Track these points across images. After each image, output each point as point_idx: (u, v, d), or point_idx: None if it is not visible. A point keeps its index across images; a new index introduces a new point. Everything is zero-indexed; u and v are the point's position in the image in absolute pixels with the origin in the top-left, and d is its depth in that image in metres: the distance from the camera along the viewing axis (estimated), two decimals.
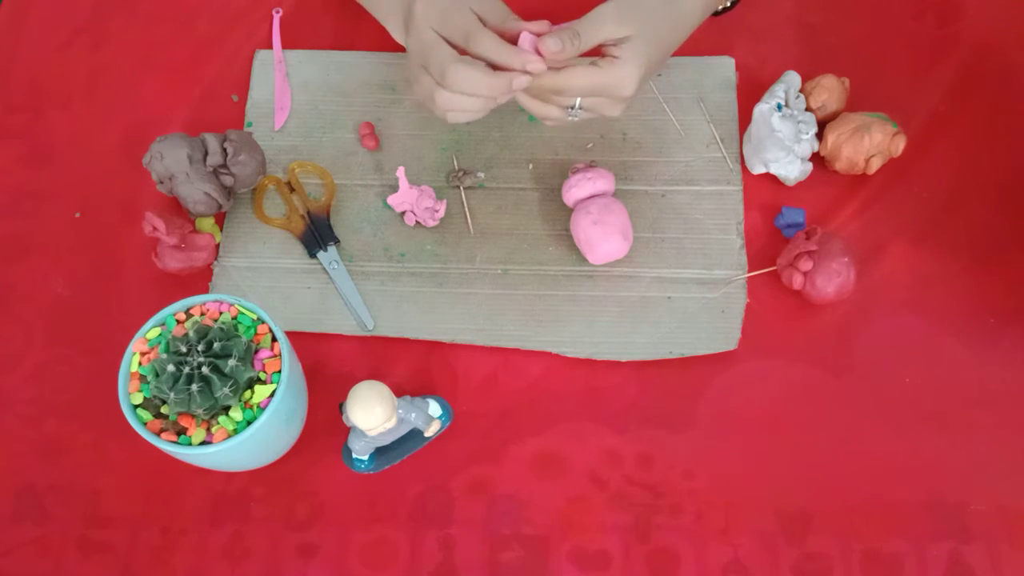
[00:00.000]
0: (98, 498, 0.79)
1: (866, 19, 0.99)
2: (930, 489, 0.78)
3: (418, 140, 0.93)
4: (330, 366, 0.83)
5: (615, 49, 0.75)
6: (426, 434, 0.78)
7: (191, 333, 0.71)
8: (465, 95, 0.73)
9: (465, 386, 0.83)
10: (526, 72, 0.73)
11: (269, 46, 0.98)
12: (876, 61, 0.96)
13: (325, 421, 0.80)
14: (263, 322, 0.74)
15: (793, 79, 0.89)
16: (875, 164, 0.87)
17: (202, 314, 0.74)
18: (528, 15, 0.95)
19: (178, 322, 0.74)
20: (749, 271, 0.86)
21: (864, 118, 0.87)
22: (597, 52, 0.77)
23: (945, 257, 0.87)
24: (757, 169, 0.89)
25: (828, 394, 0.82)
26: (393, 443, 0.78)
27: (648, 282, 0.86)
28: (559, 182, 0.88)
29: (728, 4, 0.97)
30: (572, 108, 0.77)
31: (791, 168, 0.88)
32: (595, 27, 0.75)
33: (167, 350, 0.70)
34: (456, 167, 0.91)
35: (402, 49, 0.86)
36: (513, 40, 0.74)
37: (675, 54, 0.93)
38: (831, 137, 0.87)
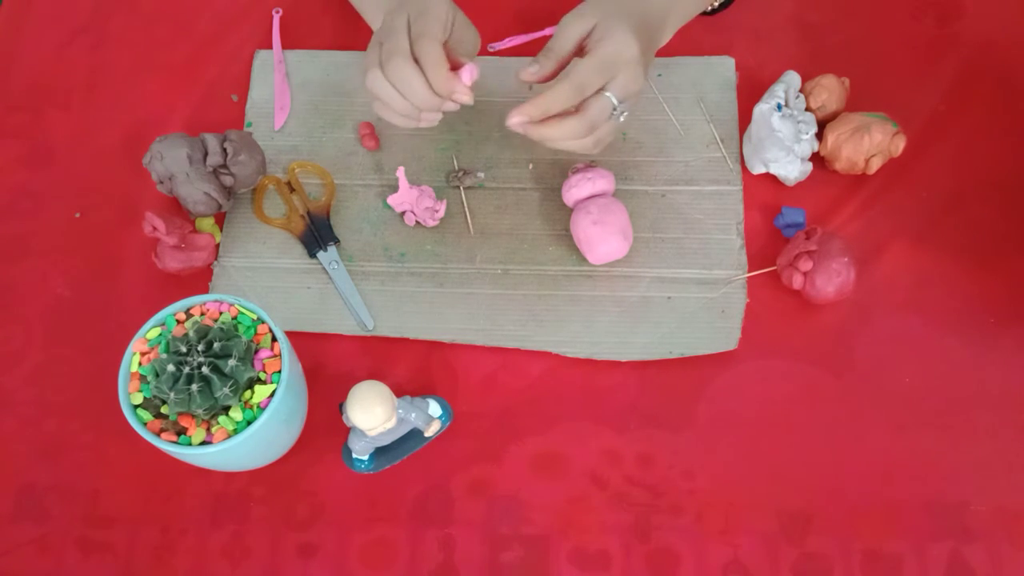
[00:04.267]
0: (98, 498, 0.79)
1: (866, 19, 0.99)
2: (930, 489, 0.78)
3: (418, 140, 0.93)
4: (330, 366, 0.83)
5: (593, 35, 0.76)
6: (426, 434, 0.78)
7: (191, 333, 0.71)
8: (393, 91, 0.74)
9: (465, 386, 0.83)
10: (453, 100, 0.74)
11: (269, 46, 0.98)
12: (876, 61, 0.96)
13: (325, 421, 0.80)
14: (263, 322, 0.74)
15: (793, 79, 0.89)
16: (875, 164, 0.87)
17: (202, 314, 0.74)
18: (529, 15, 0.96)
19: (178, 322, 0.74)
20: (749, 271, 0.86)
21: (864, 118, 0.87)
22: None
23: (945, 257, 0.87)
24: (757, 169, 0.89)
25: (828, 394, 0.82)
26: (393, 443, 0.78)
27: (648, 282, 0.86)
28: (559, 182, 0.88)
29: (717, 4, 0.96)
30: (615, 110, 0.76)
31: (791, 168, 0.88)
32: (561, 32, 0.76)
33: (167, 350, 0.70)
34: (456, 167, 0.91)
35: None
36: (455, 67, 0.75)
37: (675, 54, 0.94)
38: (831, 137, 0.87)
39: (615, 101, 0.76)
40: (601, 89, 0.75)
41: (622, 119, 0.78)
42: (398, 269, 0.87)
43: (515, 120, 0.75)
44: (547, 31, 0.95)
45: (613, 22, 0.75)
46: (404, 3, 0.75)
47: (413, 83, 0.73)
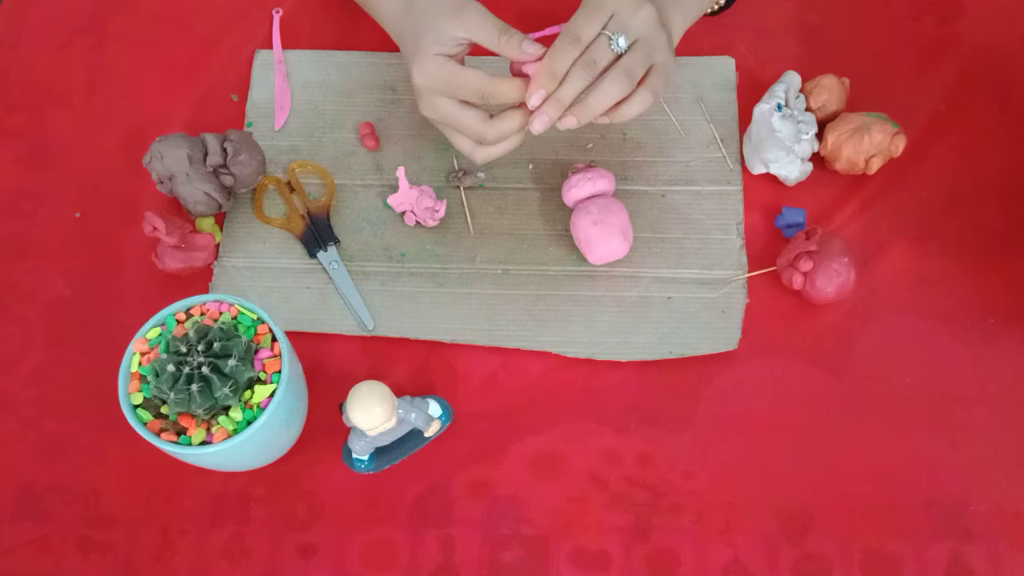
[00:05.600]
0: (98, 498, 0.79)
1: (866, 19, 0.99)
2: (930, 489, 0.78)
3: (418, 140, 0.93)
4: (330, 366, 0.83)
5: None
6: (426, 434, 0.78)
7: (191, 333, 0.71)
8: (506, 144, 0.78)
9: (465, 386, 0.83)
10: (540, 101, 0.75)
11: (269, 46, 0.98)
12: (876, 61, 0.96)
13: (325, 421, 0.80)
14: (263, 322, 0.74)
15: (793, 79, 0.89)
16: (875, 164, 0.87)
17: (202, 314, 0.74)
18: (530, 15, 0.95)
19: (178, 322, 0.74)
20: (749, 271, 0.86)
21: (864, 118, 0.87)
22: None
23: (945, 257, 0.87)
24: (757, 169, 0.89)
25: (828, 394, 0.82)
26: (393, 443, 0.78)
27: (648, 282, 0.86)
28: (559, 182, 0.88)
29: (722, 3, 0.96)
30: (611, 39, 0.74)
31: (791, 168, 0.88)
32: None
33: (167, 350, 0.70)
34: (456, 167, 0.91)
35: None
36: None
37: (675, 54, 0.94)
38: (831, 137, 0.87)
39: (610, 34, 0.74)
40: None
41: (616, 49, 0.75)
42: (398, 269, 0.87)
43: (534, 102, 0.74)
44: (548, 31, 0.95)
45: None
46: (432, 90, 0.77)
47: (516, 125, 0.77)
